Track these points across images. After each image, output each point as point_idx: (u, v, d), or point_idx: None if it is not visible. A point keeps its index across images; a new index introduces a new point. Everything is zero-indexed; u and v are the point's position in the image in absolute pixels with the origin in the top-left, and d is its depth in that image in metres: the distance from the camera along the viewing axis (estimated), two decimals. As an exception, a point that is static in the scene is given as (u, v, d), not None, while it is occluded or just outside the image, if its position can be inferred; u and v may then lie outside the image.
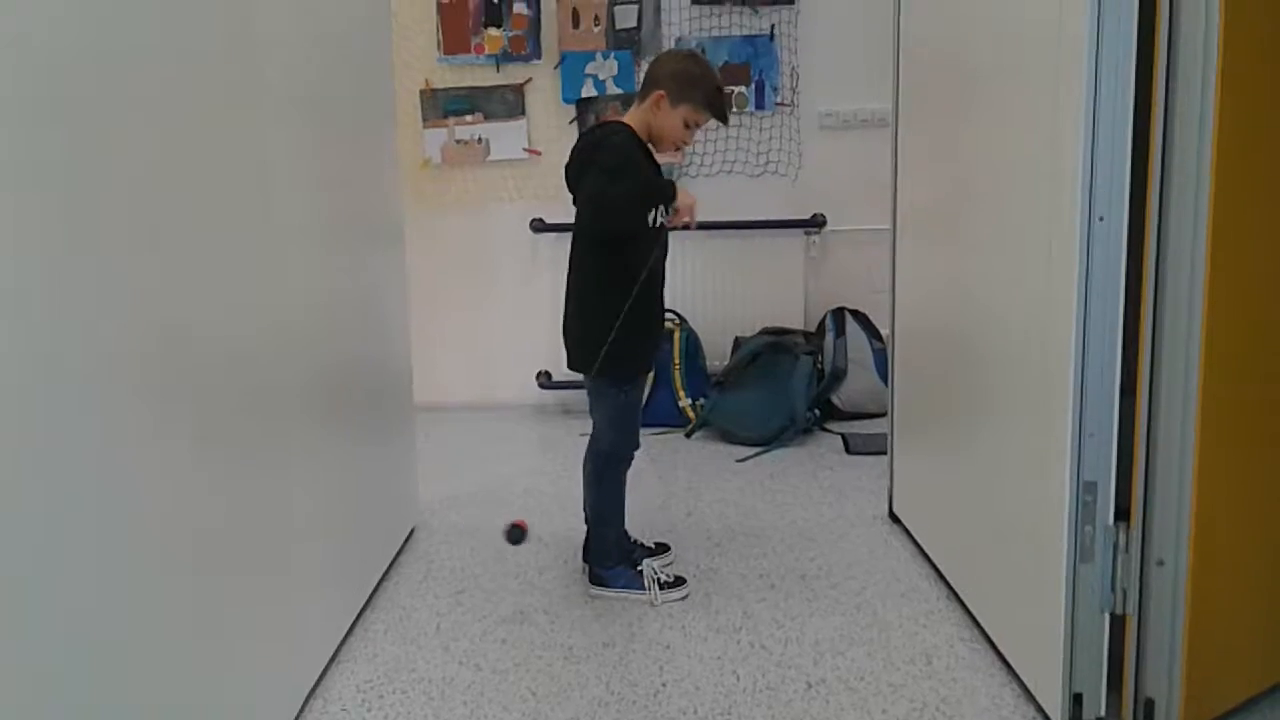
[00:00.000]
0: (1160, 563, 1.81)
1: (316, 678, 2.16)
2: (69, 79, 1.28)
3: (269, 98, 1.92)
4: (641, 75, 4.24)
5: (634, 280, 2.38)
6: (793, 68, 4.26)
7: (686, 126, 2.41)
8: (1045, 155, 1.86)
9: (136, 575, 1.43)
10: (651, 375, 4.10)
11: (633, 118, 2.45)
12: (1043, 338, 1.89)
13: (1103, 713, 1.88)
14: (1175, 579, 1.81)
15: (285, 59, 2.01)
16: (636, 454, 2.63)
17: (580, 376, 2.54)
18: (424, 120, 4.33)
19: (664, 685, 2.14)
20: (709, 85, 2.41)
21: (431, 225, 4.31)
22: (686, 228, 2.45)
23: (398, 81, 3.12)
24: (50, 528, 1.24)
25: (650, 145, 2.45)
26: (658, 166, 2.47)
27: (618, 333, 2.37)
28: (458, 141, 4.35)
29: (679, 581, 2.58)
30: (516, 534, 2.79)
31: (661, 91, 2.38)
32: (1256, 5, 1.69)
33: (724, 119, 2.49)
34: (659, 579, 2.56)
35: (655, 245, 2.42)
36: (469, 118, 4.34)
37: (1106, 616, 1.86)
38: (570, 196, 2.47)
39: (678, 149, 2.48)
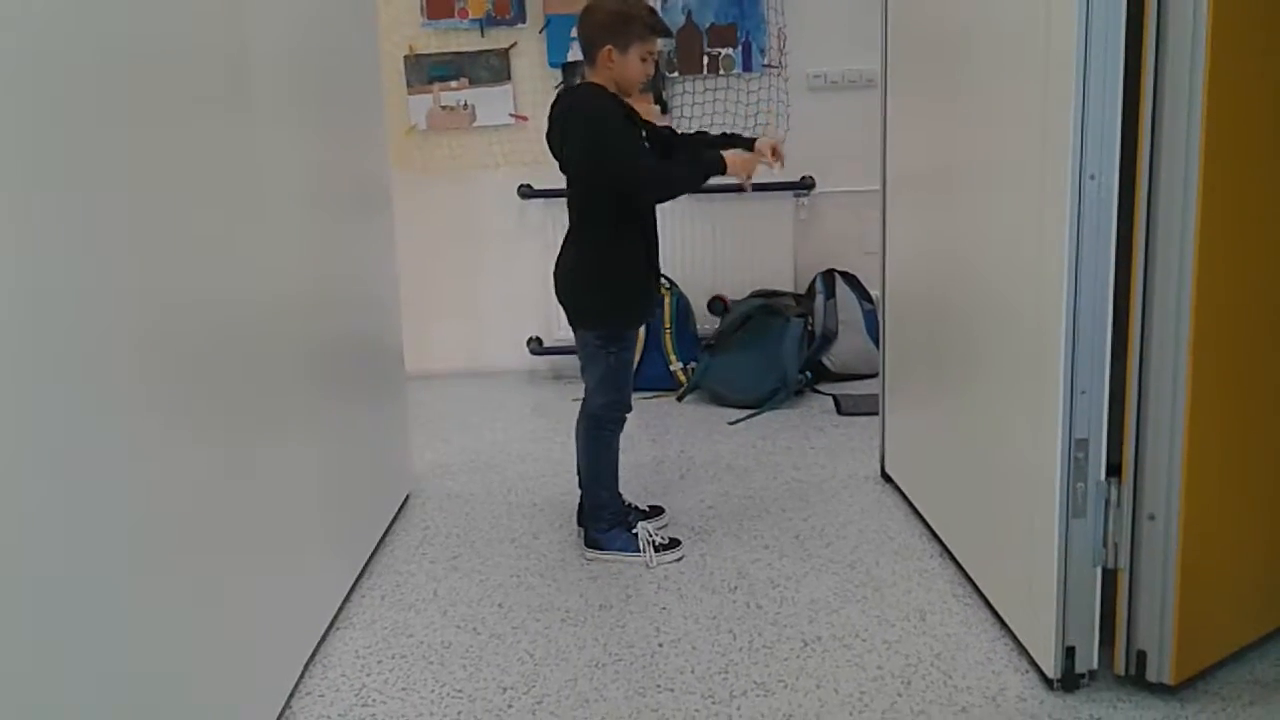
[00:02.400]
0: (1151, 517, 1.83)
1: (315, 645, 2.17)
2: (56, 48, 1.26)
3: (257, 68, 1.90)
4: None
5: (637, 233, 2.47)
6: (779, 28, 4.23)
7: (644, 61, 2.42)
8: (1035, 114, 1.85)
9: (134, 546, 1.43)
10: (642, 338, 4.11)
11: (597, 78, 2.45)
12: (1034, 296, 1.89)
13: (1095, 666, 1.91)
14: (1166, 533, 1.83)
15: (272, 30, 1.99)
16: (629, 417, 2.64)
17: (571, 341, 2.55)
18: (408, 86, 4.29)
19: (660, 646, 2.16)
20: (640, 11, 2.42)
21: (418, 192, 4.28)
22: (741, 189, 2.55)
23: (381, 47, 3.09)
24: (47, 497, 1.24)
25: (625, 97, 2.46)
26: (636, 117, 2.48)
27: (619, 281, 2.48)
28: (443, 107, 4.32)
29: (674, 543, 2.60)
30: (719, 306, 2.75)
31: (608, 46, 2.39)
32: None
33: (669, 33, 2.54)
34: (654, 541, 2.58)
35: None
36: (454, 83, 4.30)
37: (1099, 571, 1.88)
38: (556, 161, 2.52)
39: (641, 92, 2.55)
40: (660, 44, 2.49)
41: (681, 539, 2.64)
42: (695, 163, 2.47)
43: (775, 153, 2.55)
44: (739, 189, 2.53)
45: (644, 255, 2.49)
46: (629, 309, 2.56)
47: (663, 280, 4.10)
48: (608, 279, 2.49)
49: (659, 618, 2.28)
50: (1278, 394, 1.92)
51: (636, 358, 4.24)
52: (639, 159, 2.41)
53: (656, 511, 2.80)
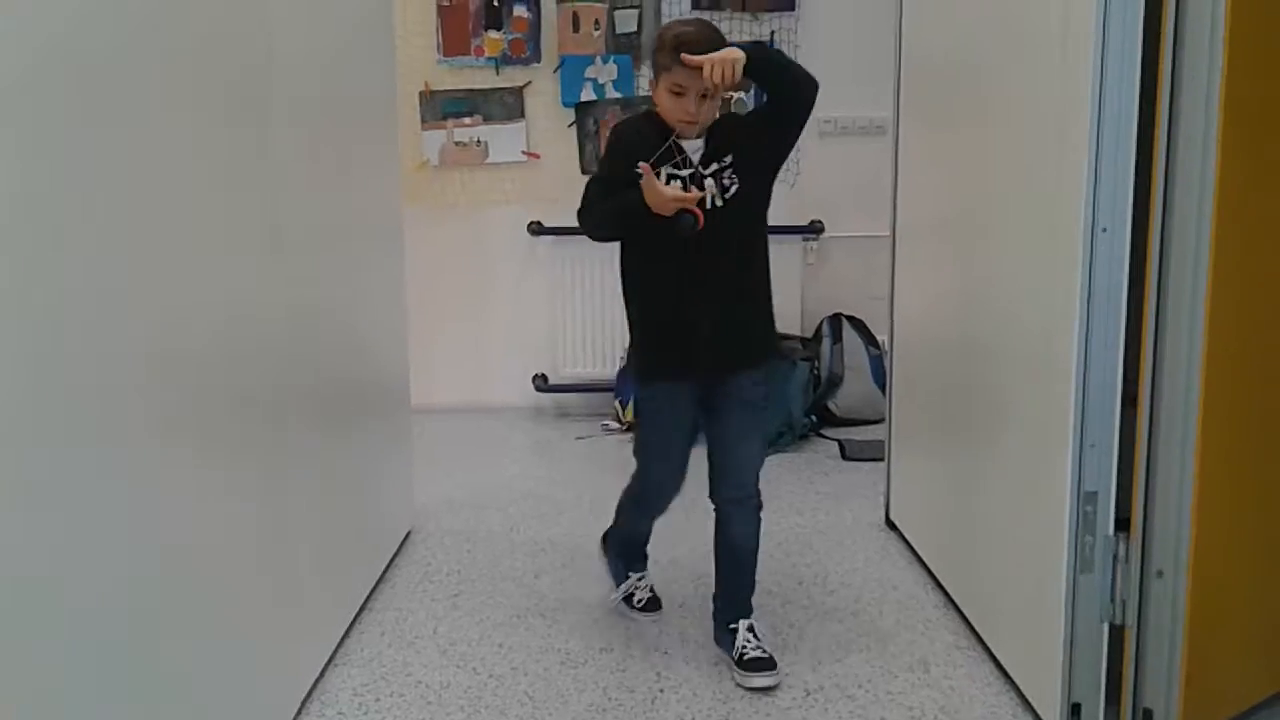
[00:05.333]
0: (1160, 574, 1.82)
1: (313, 681, 2.15)
2: (73, 81, 1.27)
3: (273, 99, 1.91)
4: (641, 80, 4.28)
5: (666, 275, 2.12)
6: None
7: (677, 95, 2.00)
8: (1048, 166, 1.86)
9: (134, 580, 1.42)
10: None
11: None
12: (1044, 347, 1.89)
13: (1101, 723, 1.88)
14: (1175, 590, 1.81)
15: (290, 61, 2.00)
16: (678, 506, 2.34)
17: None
18: (422, 121, 4.32)
19: (661, 691, 2.13)
20: (666, 38, 2.02)
21: (429, 227, 4.29)
22: (696, 225, 2.00)
23: (397, 84, 3.11)
24: (49, 532, 1.23)
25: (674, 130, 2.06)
26: (672, 151, 2.05)
27: (635, 328, 2.22)
28: (456, 143, 4.34)
29: (653, 606, 2.49)
30: (687, 220, 2.00)
31: (650, 78, 2.14)
32: (1261, 16, 1.70)
33: (691, 53, 1.95)
34: (634, 595, 2.48)
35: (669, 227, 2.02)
36: (468, 120, 4.33)
37: (1106, 627, 1.86)
38: None
39: (689, 122, 2.03)
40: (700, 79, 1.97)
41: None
42: (616, 200, 2.07)
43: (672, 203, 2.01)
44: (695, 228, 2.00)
45: (671, 302, 2.11)
46: (639, 360, 2.26)
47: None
48: (631, 322, 2.23)
49: (660, 662, 2.25)
50: (1288, 452, 1.91)
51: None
52: (585, 194, 2.15)
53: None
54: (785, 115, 2.07)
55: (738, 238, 2.10)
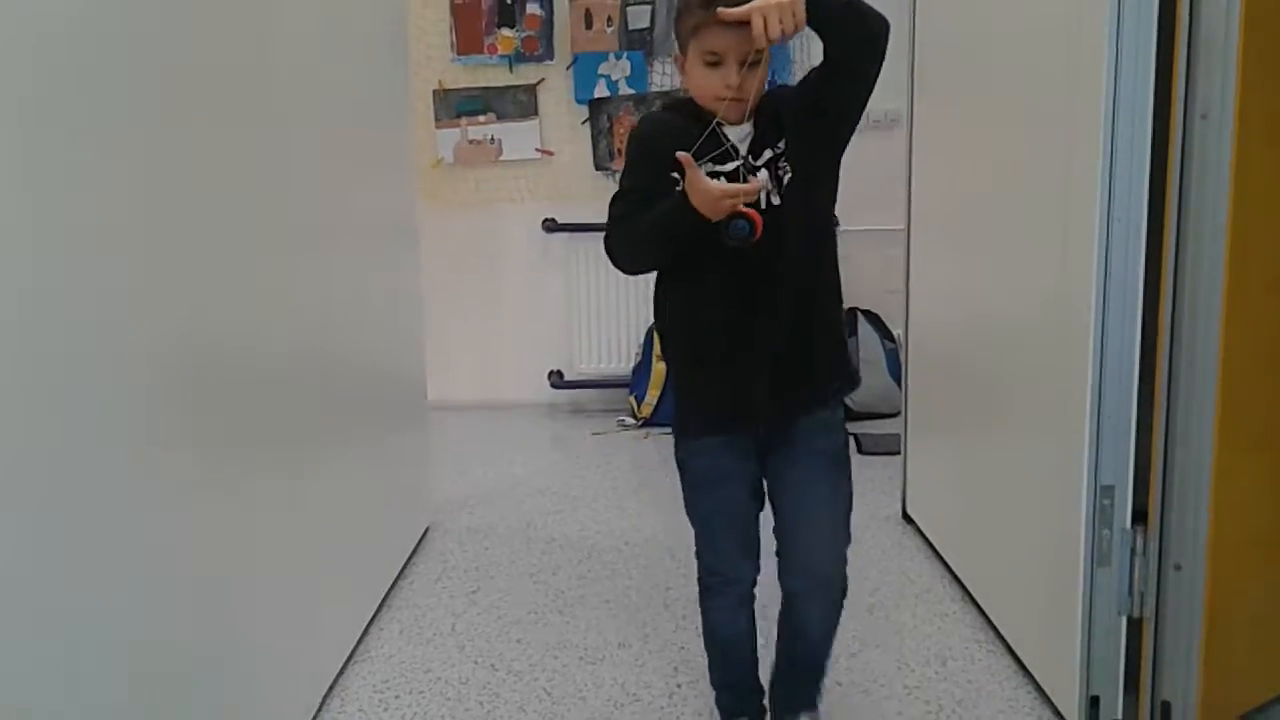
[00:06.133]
0: (1178, 567, 1.81)
1: (334, 677, 2.17)
2: (87, 83, 1.29)
3: (289, 101, 1.92)
4: (655, 76, 4.28)
5: (711, 295, 1.63)
6: (807, 68, 4.25)
7: (713, 65, 1.54)
8: (1063, 156, 1.85)
9: (155, 577, 1.44)
10: (661, 381, 4.04)
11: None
12: (1060, 340, 1.89)
13: (1119, 716, 1.88)
14: (1192, 583, 1.80)
15: (302, 61, 2.01)
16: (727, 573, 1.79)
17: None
18: (436, 120, 4.33)
19: (679, 686, 2.14)
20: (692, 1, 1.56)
21: (444, 224, 4.31)
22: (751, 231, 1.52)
23: (411, 82, 3.12)
24: (70, 528, 1.24)
25: (715, 114, 1.58)
26: (716, 140, 1.58)
27: (674, 366, 1.78)
28: (470, 141, 4.36)
29: None
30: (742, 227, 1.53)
31: (675, 53, 1.66)
32: (1277, 3, 1.69)
33: (720, 7, 1.50)
34: None
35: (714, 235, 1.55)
36: (481, 118, 4.34)
37: (1124, 620, 1.86)
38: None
39: (734, 99, 1.55)
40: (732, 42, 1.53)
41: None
42: (650, 215, 1.61)
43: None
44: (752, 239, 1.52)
45: (719, 332, 1.64)
46: (681, 409, 1.78)
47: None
48: (668, 360, 1.79)
49: (677, 657, 2.26)
50: (1307, 443, 1.90)
51: (653, 402, 4.15)
52: (610, 215, 1.67)
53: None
54: (853, 71, 1.57)
55: (802, 242, 1.61)
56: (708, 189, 1.50)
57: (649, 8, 4.21)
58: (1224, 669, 1.84)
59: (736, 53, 1.53)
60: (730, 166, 1.58)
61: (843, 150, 1.65)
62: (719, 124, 1.58)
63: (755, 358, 1.63)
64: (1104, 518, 1.82)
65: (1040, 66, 1.97)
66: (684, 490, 1.80)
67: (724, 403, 1.68)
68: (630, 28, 4.22)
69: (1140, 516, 1.83)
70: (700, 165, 1.53)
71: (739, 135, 1.60)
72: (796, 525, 1.70)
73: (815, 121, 1.59)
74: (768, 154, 1.60)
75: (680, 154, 1.50)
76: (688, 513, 1.81)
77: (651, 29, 4.21)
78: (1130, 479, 1.81)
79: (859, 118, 1.62)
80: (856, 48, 1.55)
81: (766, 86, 1.62)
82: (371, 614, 2.46)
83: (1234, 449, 1.77)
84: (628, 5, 4.20)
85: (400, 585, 2.67)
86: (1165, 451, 1.80)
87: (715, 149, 1.57)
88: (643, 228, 1.61)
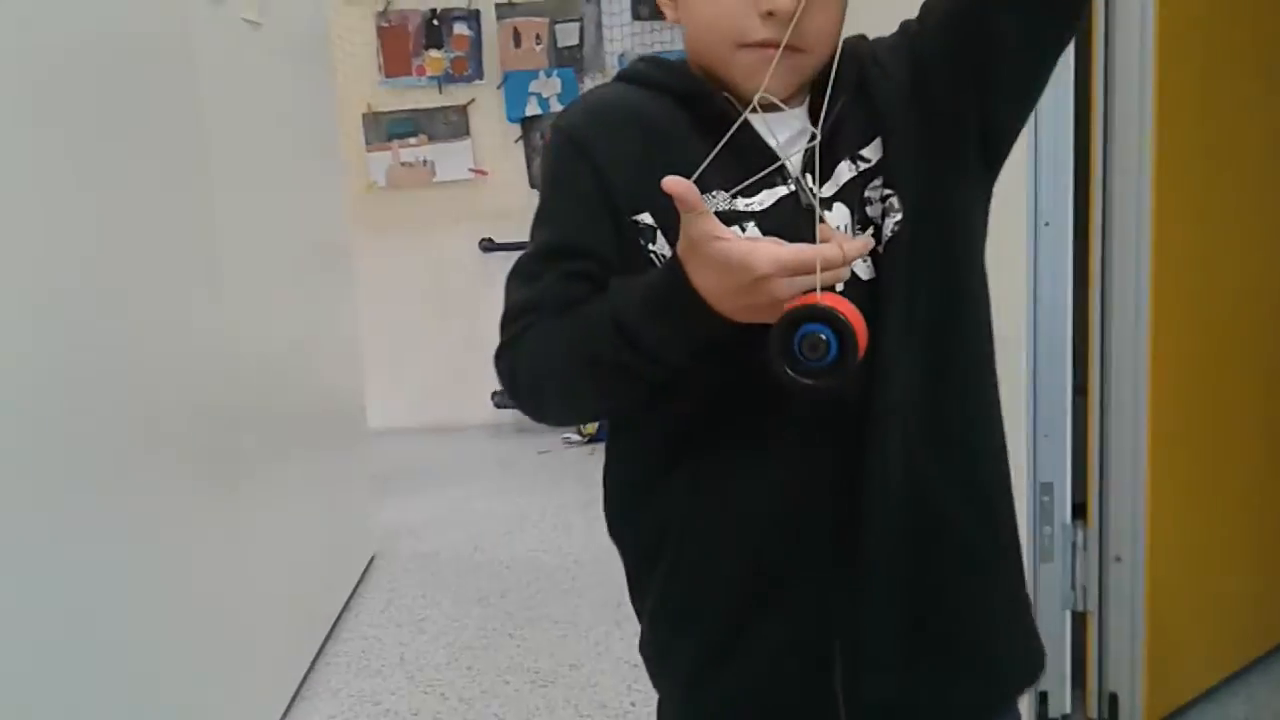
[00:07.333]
0: (1118, 559, 1.84)
1: (279, 717, 2.12)
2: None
3: (213, 131, 1.89)
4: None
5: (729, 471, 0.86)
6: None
7: None
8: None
9: (92, 616, 1.40)
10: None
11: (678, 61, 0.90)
12: (995, 341, 1.91)
13: (1068, 709, 1.90)
14: (1133, 574, 1.83)
15: (221, 90, 1.98)
16: None
17: None
18: (367, 144, 4.29)
19: (633, 705, 2.12)
20: None
21: (380, 248, 4.27)
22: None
23: (338, 106, 3.09)
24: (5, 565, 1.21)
25: (719, 86, 0.83)
26: (733, 143, 0.80)
27: (651, 596, 1.00)
28: (403, 164, 4.32)
29: None
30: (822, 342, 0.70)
31: None
32: (1190, 11, 1.73)
33: None
34: None
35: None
36: (413, 140, 4.31)
37: (1068, 614, 1.88)
38: None
39: (785, 47, 0.77)
40: None
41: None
42: (591, 313, 0.84)
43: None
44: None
45: (751, 555, 0.86)
46: (664, 674, 1.03)
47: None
48: (641, 593, 1.01)
49: (630, 675, 2.24)
50: (1238, 434, 1.95)
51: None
52: (508, 295, 0.98)
53: None
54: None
55: (927, 360, 0.88)
56: (742, 257, 0.71)
57: (578, 24, 4.21)
58: (1169, 658, 1.87)
59: None
60: (770, 198, 0.82)
61: (1000, 164, 0.94)
62: (751, 108, 0.79)
63: (826, 610, 0.85)
64: (1044, 514, 1.84)
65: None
66: None
67: (762, 704, 0.87)
68: (559, 45, 4.22)
69: (1079, 511, 1.86)
70: (710, 198, 0.79)
71: (788, 129, 0.83)
72: None
73: (955, 101, 0.84)
74: (847, 171, 0.84)
75: (668, 180, 0.71)
76: None
77: (581, 45, 4.22)
78: (1068, 475, 1.84)
79: (1040, 93, 0.88)
80: None
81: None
82: (318, 647, 2.41)
83: (1167, 442, 1.81)
84: (556, 23, 4.20)
85: (346, 616, 2.62)
86: (1100, 447, 1.83)
87: (741, 160, 0.81)
88: (580, 341, 0.84)
